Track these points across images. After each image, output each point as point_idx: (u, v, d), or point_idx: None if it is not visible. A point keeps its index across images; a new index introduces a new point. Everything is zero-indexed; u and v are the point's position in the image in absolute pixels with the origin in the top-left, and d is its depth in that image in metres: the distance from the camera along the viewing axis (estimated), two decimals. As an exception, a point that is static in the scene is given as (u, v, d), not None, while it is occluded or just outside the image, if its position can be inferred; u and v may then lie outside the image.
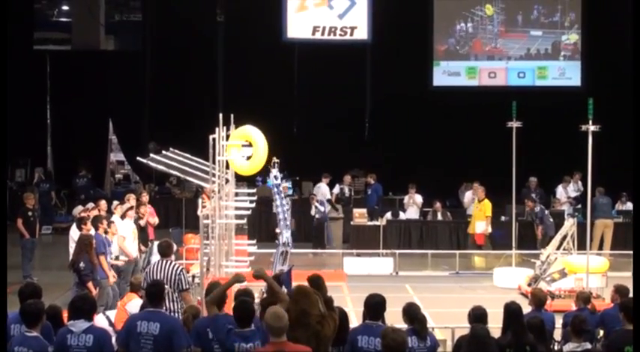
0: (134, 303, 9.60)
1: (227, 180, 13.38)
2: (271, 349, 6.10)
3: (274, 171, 12.72)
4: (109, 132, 24.81)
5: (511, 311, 7.62)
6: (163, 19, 24.11)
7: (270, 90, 22.82)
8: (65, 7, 28.96)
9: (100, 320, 9.07)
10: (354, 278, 16.08)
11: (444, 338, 9.83)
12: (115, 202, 14.83)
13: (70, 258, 12.13)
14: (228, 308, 7.18)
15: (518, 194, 18.30)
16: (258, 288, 8.74)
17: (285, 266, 11.11)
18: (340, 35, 23.28)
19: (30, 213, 15.81)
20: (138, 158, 14.60)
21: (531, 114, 17.85)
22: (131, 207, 14.13)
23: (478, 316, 7.45)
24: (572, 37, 23.74)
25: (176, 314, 8.78)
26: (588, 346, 7.77)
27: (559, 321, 9.18)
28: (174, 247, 10.12)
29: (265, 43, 23.00)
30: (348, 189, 20.94)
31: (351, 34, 23.27)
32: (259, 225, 19.57)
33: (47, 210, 21.12)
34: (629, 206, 19.78)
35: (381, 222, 18.82)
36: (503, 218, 19.30)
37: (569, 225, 15.26)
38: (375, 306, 7.11)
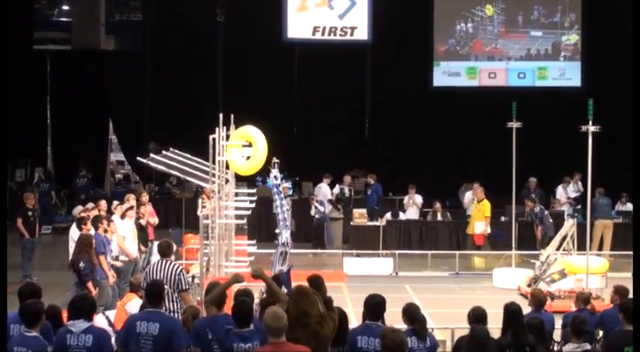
0: (134, 303, 9.60)
1: (227, 180, 13.39)
2: (270, 349, 6.09)
3: (274, 172, 12.72)
4: (109, 132, 24.79)
5: (511, 311, 7.62)
6: (163, 19, 24.11)
7: (270, 91, 22.81)
8: (65, 7, 28.96)
9: (99, 321, 9.06)
10: (354, 278, 16.08)
11: (444, 338, 9.83)
12: (115, 202, 14.83)
13: (70, 257, 12.13)
14: (228, 308, 7.18)
15: (518, 194, 18.30)
16: (258, 289, 8.74)
17: (285, 267, 11.10)
18: (340, 35, 23.28)
19: (30, 213, 15.81)
20: (138, 158, 14.61)
21: (531, 115, 17.84)
22: (131, 207, 14.13)
23: (478, 317, 7.45)
24: (573, 38, 23.74)
25: (176, 315, 8.78)
26: (588, 347, 7.77)
27: (559, 322, 9.18)
28: (174, 247, 10.12)
29: (265, 43, 23.00)
30: (348, 190, 20.94)
31: (352, 35, 23.27)
32: (259, 226, 19.57)
33: (47, 209, 21.12)
34: (629, 207, 19.78)
35: (380, 222, 18.81)
36: (503, 218, 19.31)
37: (569, 225, 15.26)
38: (374, 307, 7.11)
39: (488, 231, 18.30)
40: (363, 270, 16.97)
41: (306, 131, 23.40)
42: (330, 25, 23.25)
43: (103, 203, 14.37)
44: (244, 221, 13.73)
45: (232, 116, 13.67)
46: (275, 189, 12.78)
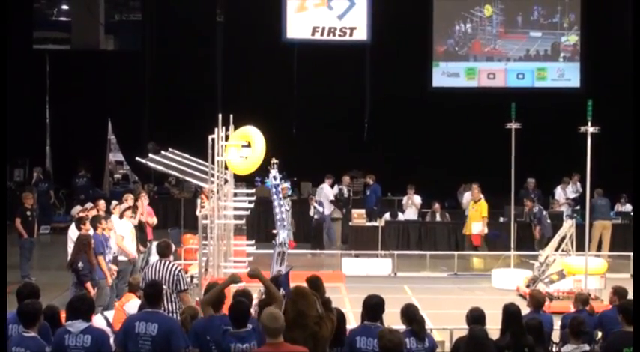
0: (132, 304, 9.59)
1: (226, 181, 13.39)
2: (267, 350, 6.09)
3: (273, 172, 12.72)
4: (108, 132, 24.79)
5: (510, 312, 7.62)
6: (163, 19, 24.12)
7: (270, 91, 22.81)
8: (65, 7, 28.94)
9: (98, 321, 9.06)
10: (353, 279, 16.06)
11: (442, 339, 9.83)
12: (114, 202, 14.83)
13: (69, 258, 12.12)
14: (227, 308, 7.18)
15: (517, 195, 18.30)
16: (257, 289, 8.73)
17: (283, 267, 11.09)
18: (340, 36, 23.28)
19: (28, 213, 15.79)
20: (137, 158, 14.62)
21: (530, 116, 17.83)
22: (129, 207, 14.13)
23: (476, 317, 7.45)
24: (572, 39, 23.74)
25: (174, 315, 8.77)
26: (586, 347, 7.76)
27: (557, 323, 9.18)
28: (173, 247, 10.12)
29: (265, 44, 23.01)
30: (346, 190, 20.94)
31: (351, 35, 23.28)
32: (258, 226, 19.58)
33: (46, 209, 21.11)
34: (628, 208, 19.79)
35: (379, 222, 18.81)
36: (501, 219, 19.31)
37: (568, 226, 15.27)
38: (373, 307, 7.11)
39: (486, 231, 18.29)
40: (362, 271, 16.96)
41: (305, 131, 23.39)
42: (330, 25, 23.26)
43: (102, 203, 14.35)
44: (243, 221, 13.74)
45: (231, 116, 13.67)
46: (274, 190, 12.78)
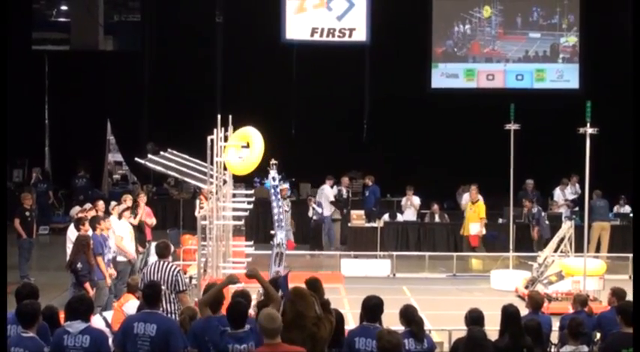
0: (131, 304, 9.59)
1: (225, 181, 13.38)
2: (265, 350, 6.09)
3: (272, 173, 12.71)
4: (107, 132, 24.78)
5: (509, 313, 7.62)
6: (162, 20, 24.12)
7: (269, 92, 22.80)
8: (64, 7, 28.93)
9: (97, 321, 9.06)
10: (352, 279, 16.07)
11: (441, 340, 9.82)
12: (113, 203, 14.83)
13: (68, 258, 12.12)
14: (225, 309, 7.18)
15: (516, 196, 18.30)
16: (256, 290, 8.73)
17: (281, 268, 11.09)
18: (339, 37, 23.29)
19: (27, 213, 15.79)
20: (136, 158, 14.60)
21: (529, 117, 17.85)
22: (127, 208, 14.13)
23: (475, 318, 7.45)
24: (571, 40, 23.74)
25: (173, 316, 8.77)
26: (585, 349, 7.77)
27: (556, 324, 9.19)
28: (172, 248, 10.13)
29: (264, 44, 23.01)
30: (345, 191, 20.94)
31: (350, 36, 23.28)
32: (257, 227, 19.58)
33: (45, 210, 21.09)
34: (627, 209, 19.78)
35: (378, 223, 18.80)
36: (500, 220, 19.31)
37: (567, 227, 15.27)
38: (372, 308, 7.11)
39: (483, 232, 18.31)
40: (361, 272, 16.96)
41: (304, 132, 23.39)
42: (329, 26, 23.26)
43: (101, 203, 14.36)
44: (242, 222, 13.73)
45: (231, 117, 13.67)
46: (272, 190, 12.77)
